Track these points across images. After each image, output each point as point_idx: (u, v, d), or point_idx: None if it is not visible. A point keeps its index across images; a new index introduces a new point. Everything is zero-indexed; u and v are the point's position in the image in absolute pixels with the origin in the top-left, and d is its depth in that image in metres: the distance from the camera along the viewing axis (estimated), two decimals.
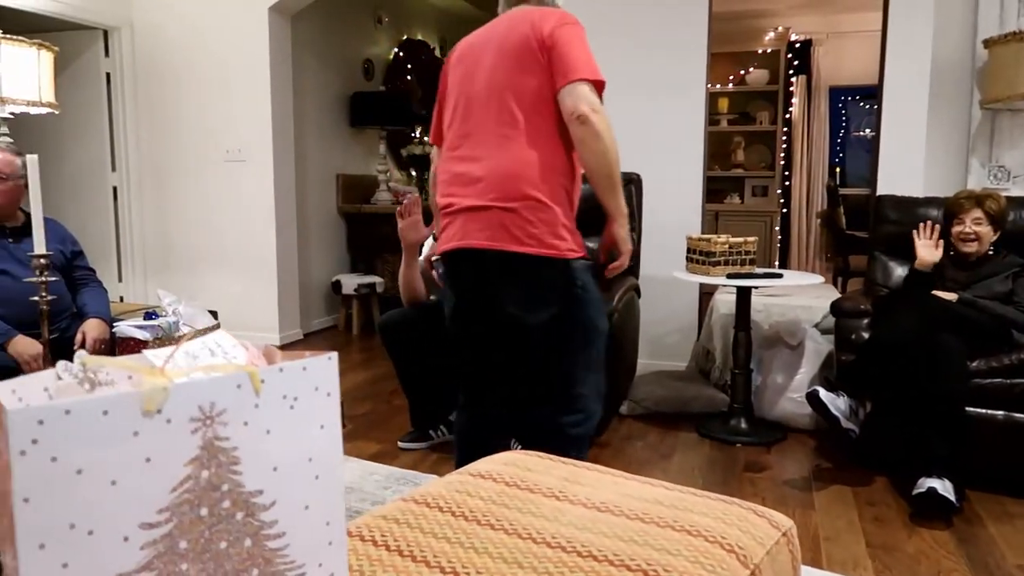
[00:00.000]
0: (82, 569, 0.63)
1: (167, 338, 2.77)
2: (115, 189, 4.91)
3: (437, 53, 6.91)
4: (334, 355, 0.80)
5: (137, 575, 0.66)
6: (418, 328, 2.89)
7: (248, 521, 0.73)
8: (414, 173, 6.26)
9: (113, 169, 4.89)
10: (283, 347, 4.83)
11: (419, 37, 6.68)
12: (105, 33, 4.78)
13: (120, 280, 4.97)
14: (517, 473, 1.46)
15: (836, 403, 2.59)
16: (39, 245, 1.69)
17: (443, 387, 3.06)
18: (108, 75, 4.85)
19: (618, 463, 2.80)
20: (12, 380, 0.73)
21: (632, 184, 3.50)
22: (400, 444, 3.02)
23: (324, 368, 0.79)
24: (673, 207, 3.87)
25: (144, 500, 0.66)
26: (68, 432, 0.61)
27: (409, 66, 6.38)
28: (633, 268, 3.49)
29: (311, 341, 4.96)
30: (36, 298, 1.73)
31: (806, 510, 2.43)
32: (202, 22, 4.69)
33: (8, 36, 3.53)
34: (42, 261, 1.70)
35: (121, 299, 4.82)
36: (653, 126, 3.91)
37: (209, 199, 4.80)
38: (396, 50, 6.30)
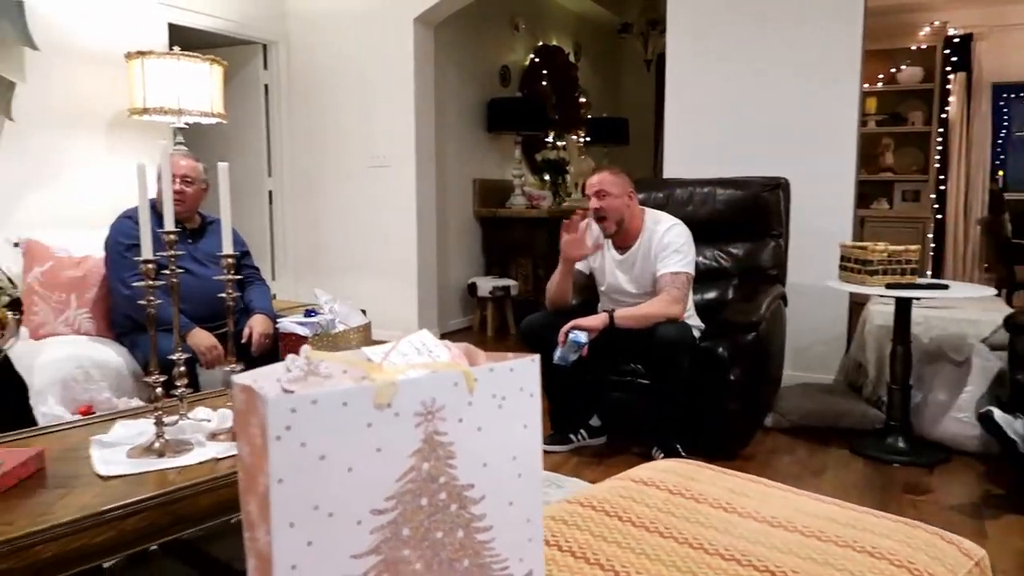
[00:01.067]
0: (323, 548, 0.68)
1: (325, 334, 2.93)
2: (271, 193, 5.24)
3: (571, 58, 6.95)
4: (536, 358, 0.83)
5: (367, 557, 0.70)
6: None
7: (461, 513, 0.76)
8: (547, 177, 6.31)
9: (269, 175, 5.22)
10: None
11: (554, 43, 6.74)
12: (264, 47, 5.12)
13: (273, 278, 5.29)
14: (680, 482, 1.45)
15: (1013, 425, 2.39)
16: (227, 246, 1.83)
17: (585, 391, 3.07)
18: (266, 87, 5.18)
19: (766, 478, 2.71)
20: (252, 372, 0.80)
21: (780, 189, 3.39)
22: (543, 447, 3.05)
23: (528, 370, 0.82)
24: (822, 212, 3.70)
25: (375, 487, 0.70)
26: (314, 420, 0.67)
27: (544, 72, 6.45)
28: (779, 275, 3.37)
29: (448, 341, 5.09)
30: (223, 295, 1.87)
31: (977, 539, 2.26)
32: (351, 35, 4.92)
33: (186, 53, 3.85)
34: (229, 260, 1.83)
35: (274, 296, 5.12)
36: (803, 126, 3.76)
37: (355, 203, 5.04)
38: (532, 56, 6.38)
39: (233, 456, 1.72)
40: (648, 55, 7.27)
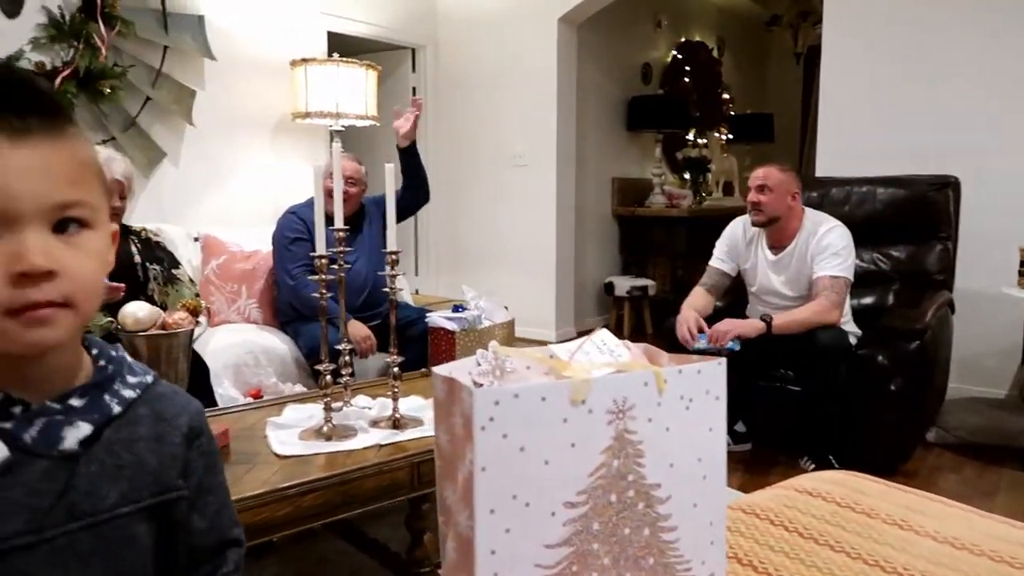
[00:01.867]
0: (520, 536, 0.70)
1: (471, 330, 3.01)
2: None
3: (715, 53, 6.78)
4: (723, 361, 0.82)
5: (559, 548, 0.73)
6: None
7: (647, 512, 0.77)
8: (688, 176, 6.19)
9: None
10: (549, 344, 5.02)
11: (697, 39, 6.59)
12: (413, 51, 5.31)
13: (416, 274, 5.49)
14: (848, 494, 1.39)
15: None
16: (391, 242, 1.93)
17: (731, 396, 2.99)
18: (414, 89, 5.38)
19: None
20: (448, 364, 0.84)
21: (949, 188, 3.16)
22: None
23: (715, 373, 0.82)
24: (997, 212, 3.42)
25: (568, 481, 0.72)
26: (515, 413, 0.69)
27: (687, 68, 6.32)
28: (946, 280, 3.14)
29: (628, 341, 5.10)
30: (387, 289, 1.97)
31: None
32: (496, 37, 5.03)
33: (344, 59, 4.07)
34: (393, 257, 1.92)
35: (416, 291, 5.32)
36: (976, 123, 3.49)
37: (495, 201, 5.14)
38: (674, 53, 6.28)
39: (391, 444, 1.81)
40: (798, 48, 6.98)
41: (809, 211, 2.88)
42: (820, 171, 3.86)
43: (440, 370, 0.78)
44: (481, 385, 0.83)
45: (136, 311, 1.65)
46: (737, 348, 2.60)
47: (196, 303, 1.76)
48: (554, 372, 0.84)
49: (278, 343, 2.97)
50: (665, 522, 0.78)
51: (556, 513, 0.72)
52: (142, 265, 2.55)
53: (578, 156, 5.12)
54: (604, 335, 0.91)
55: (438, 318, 3.04)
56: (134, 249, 2.57)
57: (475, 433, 0.68)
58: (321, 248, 1.88)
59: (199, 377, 2.35)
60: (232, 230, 3.45)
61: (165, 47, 3.68)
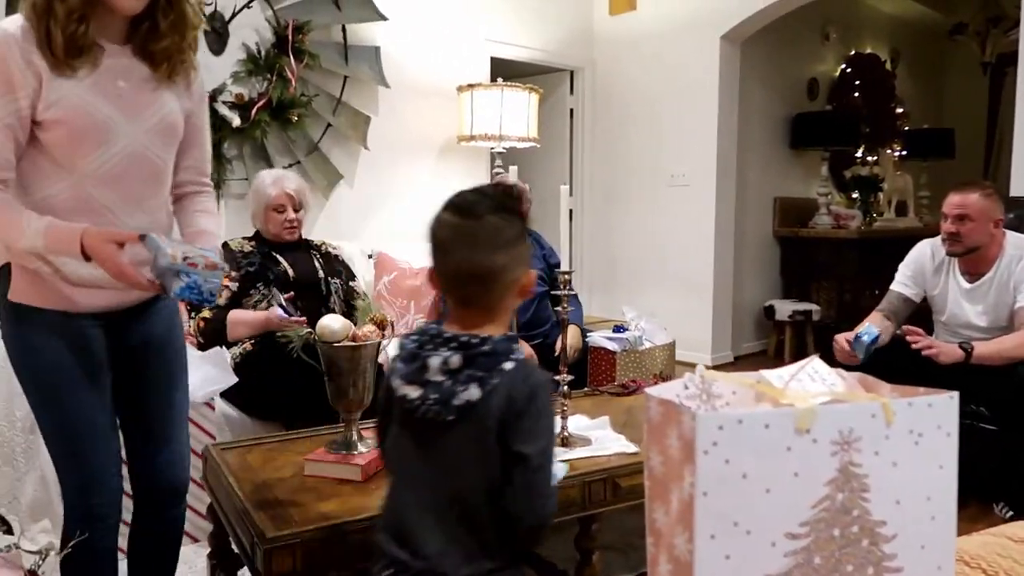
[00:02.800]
0: (740, 563, 0.69)
1: (632, 351, 3.00)
2: (571, 212, 5.49)
3: (888, 66, 6.40)
4: (955, 395, 0.78)
5: None
6: None
7: (872, 550, 0.74)
8: (857, 195, 5.86)
9: (571, 194, 5.47)
10: (714, 369, 4.88)
11: (868, 51, 6.25)
12: (571, 73, 5.39)
13: None
14: None
15: None
16: (565, 262, 1.96)
17: None
18: (571, 110, 5.45)
19: None
20: (656, 387, 0.85)
21: None
22: None
23: (947, 407, 0.77)
24: None
25: (790, 511, 0.71)
26: (738, 439, 0.69)
27: (857, 82, 6.01)
28: None
29: (741, 365, 4.94)
30: (559, 308, 2.00)
31: None
32: (655, 56, 5.00)
33: (508, 83, 4.19)
34: (565, 277, 1.95)
35: None
36: None
37: (651, 221, 5.09)
38: (843, 66, 5.98)
39: (561, 461, 1.82)
40: (986, 56, 6.45)
41: (1010, 235, 2.63)
42: (1016, 190, 3.54)
43: (653, 392, 0.79)
44: (689, 409, 0.83)
45: (331, 323, 1.78)
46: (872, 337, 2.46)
47: (383, 316, 1.86)
48: (765, 399, 0.82)
49: None
50: (890, 562, 0.74)
51: (777, 544, 0.70)
52: (325, 280, 2.73)
53: (739, 175, 4.99)
54: (816, 363, 0.88)
55: (599, 338, 3.06)
56: (317, 264, 2.76)
57: (697, 457, 0.68)
58: None
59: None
60: (402, 248, 3.63)
61: (345, 77, 3.95)
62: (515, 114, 4.18)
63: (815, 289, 5.27)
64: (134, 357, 1.59)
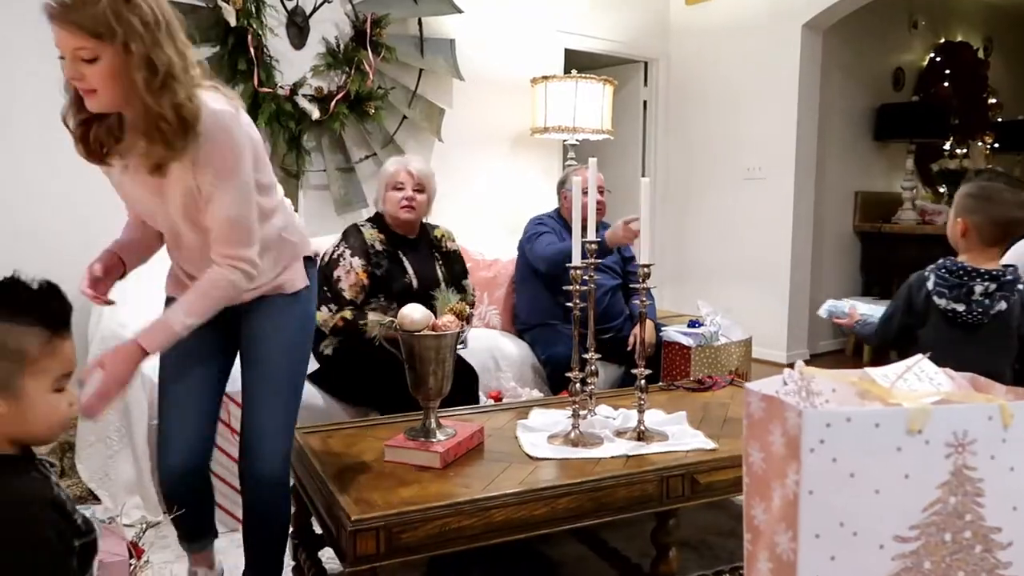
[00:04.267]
0: (845, 565, 0.68)
1: (707, 346, 2.95)
2: None
3: (980, 54, 6.11)
4: None
5: None
6: None
7: (985, 556, 0.71)
8: (944, 190, 5.62)
9: None
10: (789, 367, 4.77)
11: (959, 39, 5.98)
12: (646, 65, 5.32)
13: None
14: None
15: None
16: (644, 256, 1.94)
17: None
18: (645, 102, 5.38)
19: None
20: (756, 383, 0.83)
21: None
22: None
23: None
24: None
25: (900, 514, 0.69)
26: (847, 437, 0.67)
27: (946, 71, 5.75)
28: None
29: (817, 364, 4.80)
30: (637, 301, 1.98)
31: None
32: (732, 47, 4.89)
33: (582, 75, 4.17)
34: (645, 271, 1.93)
35: None
36: None
37: (726, 215, 4.99)
38: (931, 55, 5.73)
39: (639, 456, 1.81)
40: None
41: None
42: None
43: (753, 387, 0.77)
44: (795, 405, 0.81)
45: (412, 313, 1.80)
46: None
47: (462, 307, 1.88)
48: (870, 397, 0.80)
49: (516, 349, 3.10)
50: (1005, 571, 0.71)
51: (885, 546, 0.68)
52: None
53: (818, 169, 4.84)
54: (924, 363, 0.85)
55: (673, 332, 3.02)
56: (439, 272, 2.72)
57: (803, 455, 0.67)
58: (576, 259, 1.94)
59: (465, 377, 2.50)
60: (474, 239, 3.65)
61: (421, 70, 4.00)
62: (589, 106, 4.15)
63: (897, 286, 5.06)
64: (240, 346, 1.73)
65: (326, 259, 2.64)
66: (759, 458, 0.74)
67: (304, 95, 3.61)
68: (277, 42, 3.57)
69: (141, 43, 1.31)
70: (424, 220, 2.82)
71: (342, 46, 3.75)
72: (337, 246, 2.62)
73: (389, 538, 1.44)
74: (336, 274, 2.54)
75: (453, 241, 2.90)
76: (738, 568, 1.93)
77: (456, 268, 2.85)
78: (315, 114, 3.59)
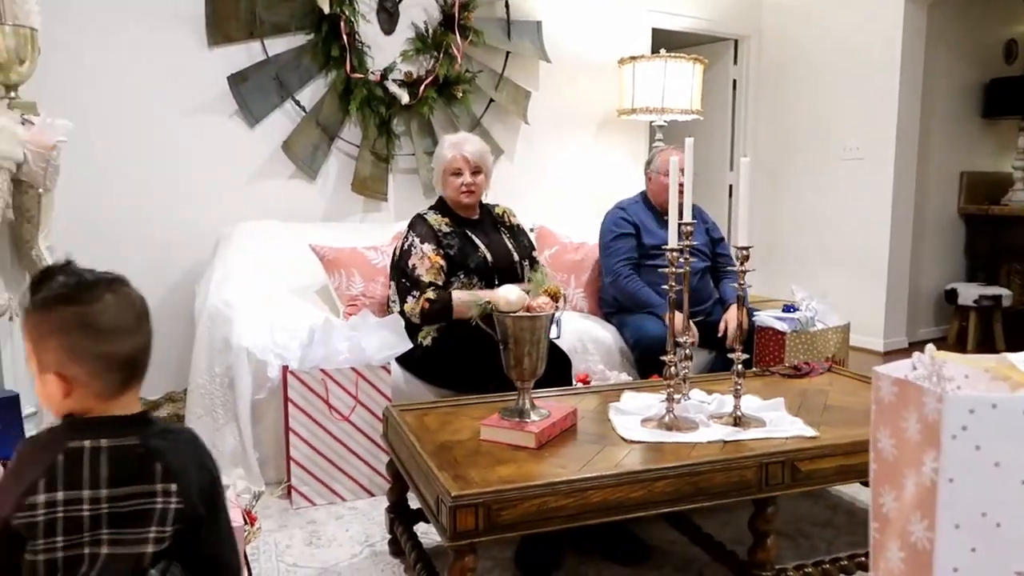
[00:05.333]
0: (987, 557, 0.65)
1: (803, 332, 2.87)
2: (730, 188, 5.30)
3: None
4: None
5: None
6: None
7: None
8: None
9: (731, 168, 5.28)
10: (886, 355, 4.60)
11: None
12: (736, 43, 5.17)
13: None
14: None
15: None
16: (743, 238, 1.89)
17: None
18: (734, 81, 5.24)
19: None
20: (886, 366, 0.80)
21: None
22: None
23: None
24: None
25: None
26: (991, 424, 0.64)
27: None
28: None
29: (916, 350, 4.60)
30: (736, 285, 1.94)
31: None
32: (829, 22, 4.70)
33: (672, 54, 4.08)
34: (744, 253, 1.88)
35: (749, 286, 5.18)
36: None
37: (820, 196, 4.82)
38: None
39: (736, 441, 1.78)
40: None
41: None
42: None
43: (884, 371, 0.75)
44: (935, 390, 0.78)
45: (508, 294, 1.82)
46: None
47: (556, 288, 1.89)
48: (1009, 383, 0.76)
49: (603, 332, 3.08)
50: None
51: None
52: (519, 263, 2.74)
53: (921, 148, 4.61)
54: None
55: (767, 317, 2.95)
56: (510, 246, 2.73)
57: (943, 441, 0.64)
58: (673, 241, 1.91)
59: (559, 363, 2.51)
60: (561, 222, 3.65)
61: (507, 53, 4.00)
62: (678, 86, 4.07)
63: (1005, 272, 4.80)
64: None
65: (397, 253, 2.68)
66: (889, 444, 0.72)
67: (394, 80, 3.66)
68: (368, 28, 3.63)
69: None
70: (482, 200, 2.82)
71: (431, 31, 3.78)
72: (405, 237, 2.65)
73: (488, 515, 1.46)
74: (411, 263, 2.57)
75: (515, 216, 2.92)
76: (837, 560, 1.87)
77: (524, 242, 2.86)
78: (404, 99, 3.65)
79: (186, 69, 3.31)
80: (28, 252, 2.54)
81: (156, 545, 1.01)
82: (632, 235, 3.16)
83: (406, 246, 2.63)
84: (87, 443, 1.00)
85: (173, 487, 1.02)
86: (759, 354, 2.93)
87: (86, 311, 1.00)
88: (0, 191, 2.23)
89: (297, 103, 3.54)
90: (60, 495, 0.98)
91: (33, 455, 1.02)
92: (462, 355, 2.46)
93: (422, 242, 2.60)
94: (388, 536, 2.07)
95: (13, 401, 2.42)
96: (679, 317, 2.91)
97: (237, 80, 3.40)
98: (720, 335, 2.96)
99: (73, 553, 0.98)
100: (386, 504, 2.09)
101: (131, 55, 3.20)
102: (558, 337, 1.96)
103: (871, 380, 0.82)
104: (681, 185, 1.86)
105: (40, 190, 2.43)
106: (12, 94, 2.51)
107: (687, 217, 1.96)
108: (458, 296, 2.52)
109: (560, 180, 4.27)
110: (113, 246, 3.17)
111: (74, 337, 1.00)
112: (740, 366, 1.90)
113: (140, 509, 1.01)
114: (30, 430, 2.59)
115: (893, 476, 0.71)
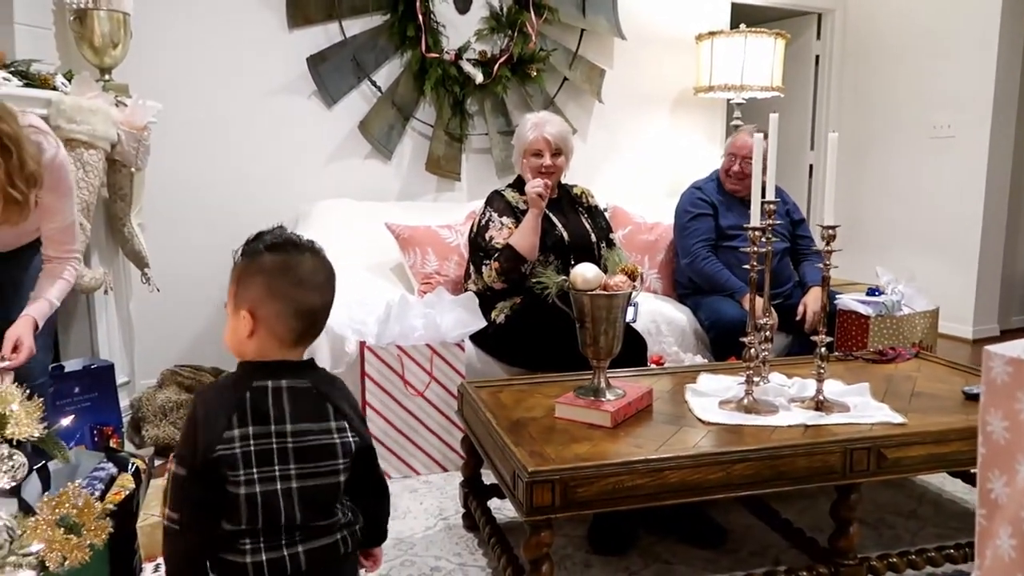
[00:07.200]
0: None
1: (888, 316, 2.76)
2: (811, 167, 5.13)
3: None
4: None
5: None
6: None
7: None
8: None
9: (811, 148, 5.11)
10: (975, 343, 4.40)
11: None
12: (819, 16, 4.98)
13: None
14: None
15: None
16: (828, 218, 1.82)
17: None
18: (817, 57, 5.05)
19: None
20: (1000, 346, 0.76)
21: None
22: None
23: None
24: None
25: None
26: None
27: None
28: None
29: (1008, 340, 4.38)
30: (823, 263, 1.87)
31: None
32: None
33: (752, 30, 3.96)
34: (831, 233, 1.82)
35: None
36: None
37: (907, 176, 4.62)
38: None
39: (818, 426, 1.73)
40: None
41: None
42: None
43: (997, 350, 0.71)
44: None
45: (585, 272, 1.81)
46: None
47: (633, 267, 1.86)
48: None
49: (677, 314, 3.03)
50: None
51: None
52: (596, 244, 2.72)
53: (1018, 127, 4.36)
54: None
55: (850, 301, 2.86)
56: (587, 226, 2.71)
57: None
58: (755, 221, 1.86)
59: (635, 345, 2.48)
60: (635, 202, 3.60)
61: (582, 30, 3.95)
62: (758, 62, 3.95)
63: None
64: None
65: (475, 228, 2.68)
66: (1001, 427, 0.68)
67: (468, 59, 3.67)
68: (443, 8, 3.64)
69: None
70: (561, 181, 2.79)
71: (505, 9, 3.76)
72: (483, 213, 2.66)
73: (564, 491, 1.46)
74: (488, 235, 2.59)
75: (593, 197, 2.91)
76: (924, 551, 1.81)
77: (602, 223, 2.84)
78: (479, 78, 3.65)
79: (267, 51, 3.39)
80: (120, 228, 2.65)
81: (345, 475, 1.16)
82: (710, 215, 3.10)
83: (483, 221, 2.64)
84: (269, 383, 1.14)
85: (345, 424, 1.17)
86: (840, 339, 2.84)
87: (289, 259, 1.15)
88: (96, 170, 2.34)
89: (373, 83, 3.58)
90: (251, 429, 1.10)
91: (222, 395, 1.14)
92: (535, 333, 2.46)
93: (500, 215, 2.61)
94: (462, 510, 2.10)
95: (109, 370, 2.55)
96: (759, 299, 2.85)
97: (316, 61, 3.46)
98: (798, 318, 2.88)
99: (268, 488, 1.10)
100: (459, 479, 2.12)
101: (215, 38, 3.30)
102: (634, 320, 1.94)
103: (961, 366, 0.77)
104: (764, 164, 1.81)
105: (132, 169, 2.54)
106: (107, 76, 2.62)
107: (770, 196, 1.91)
108: (515, 238, 2.54)
109: (634, 159, 4.21)
110: (196, 223, 3.29)
111: (276, 278, 1.13)
112: (823, 349, 1.84)
113: (323, 444, 1.14)
114: (123, 398, 2.73)
115: (1004, 461, 0.68)
